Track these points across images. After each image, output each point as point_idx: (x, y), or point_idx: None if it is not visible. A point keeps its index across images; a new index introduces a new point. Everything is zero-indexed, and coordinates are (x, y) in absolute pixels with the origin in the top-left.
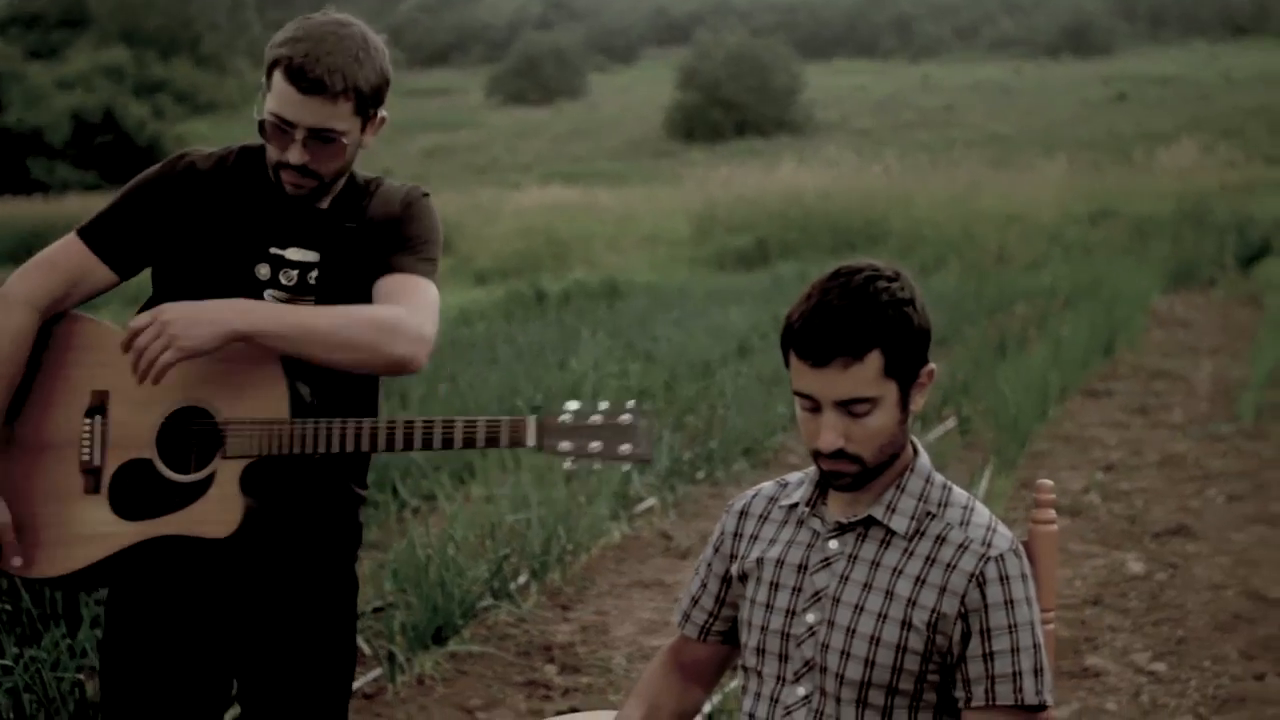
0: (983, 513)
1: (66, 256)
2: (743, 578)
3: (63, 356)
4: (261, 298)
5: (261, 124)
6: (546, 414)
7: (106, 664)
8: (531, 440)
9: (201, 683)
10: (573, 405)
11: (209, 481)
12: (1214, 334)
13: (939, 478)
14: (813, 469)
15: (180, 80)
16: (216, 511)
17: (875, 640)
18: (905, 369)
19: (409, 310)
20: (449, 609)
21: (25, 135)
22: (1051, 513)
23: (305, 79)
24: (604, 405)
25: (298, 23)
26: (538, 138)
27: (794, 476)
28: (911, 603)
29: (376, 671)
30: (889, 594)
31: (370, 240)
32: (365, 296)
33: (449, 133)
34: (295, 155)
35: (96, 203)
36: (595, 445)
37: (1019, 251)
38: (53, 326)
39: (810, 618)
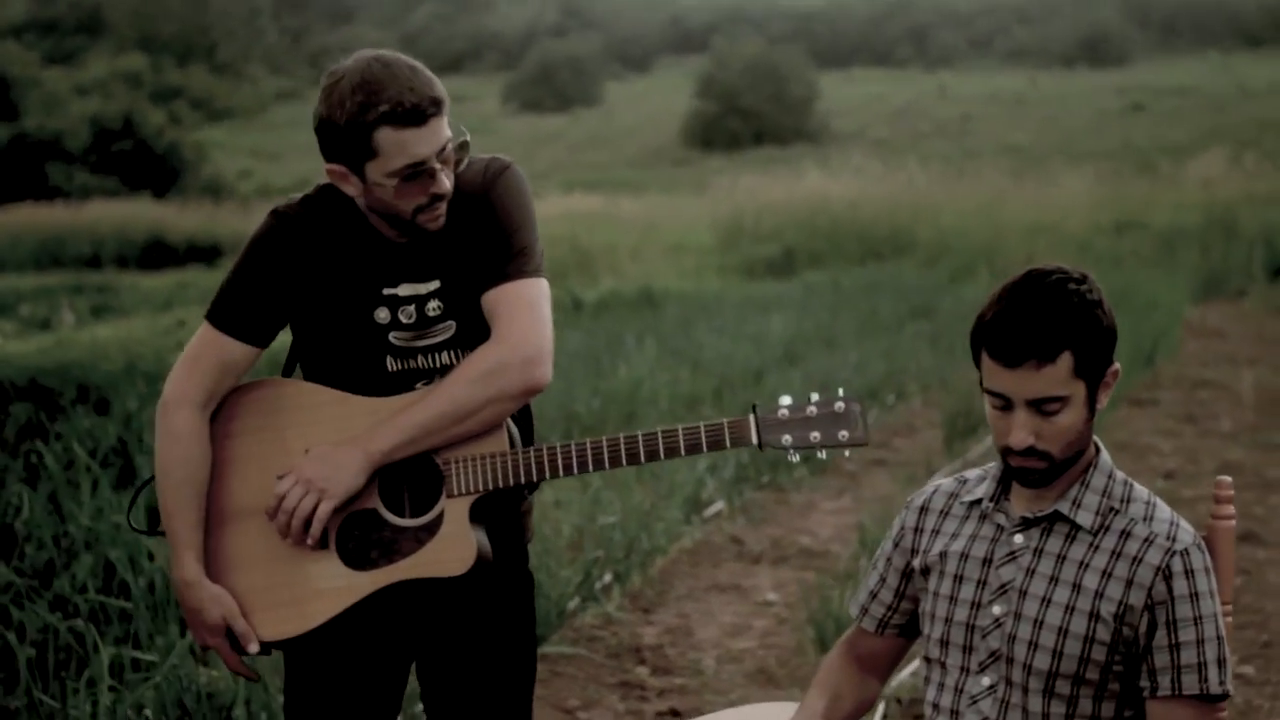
0: (1164, 509)
1: (205, 346)
2: (925, 571)
3: (269, 421)
4: (388, 343)
5: (386, 190)
6: (764, 410)
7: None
8: (754, 438)
9: (380, 688)
10: (785, 400)
11: (438, 522)
12: (1250, 344)
13: (1120, 474)
14: (994, 465)
15: (196, 87)
16: (452, 549)
17: (1063, 631)
18: (1094, 369)
19: (508, 331)
20: (544, 611)
21: (44, 141)
22: (1230, 508)
23: (421, 113)
24: (816, 396)
25: (350, 84)
26: (554, 146)
27: (973, 473)
28: (1099, 595)
29: None
30: (1076, 586)
31: (469, 248)
32: None
33: None
34: (446, 184)
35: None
36: (815, 435)
37: (1048, 261)
38: (257, 393)
39: (996, 609)
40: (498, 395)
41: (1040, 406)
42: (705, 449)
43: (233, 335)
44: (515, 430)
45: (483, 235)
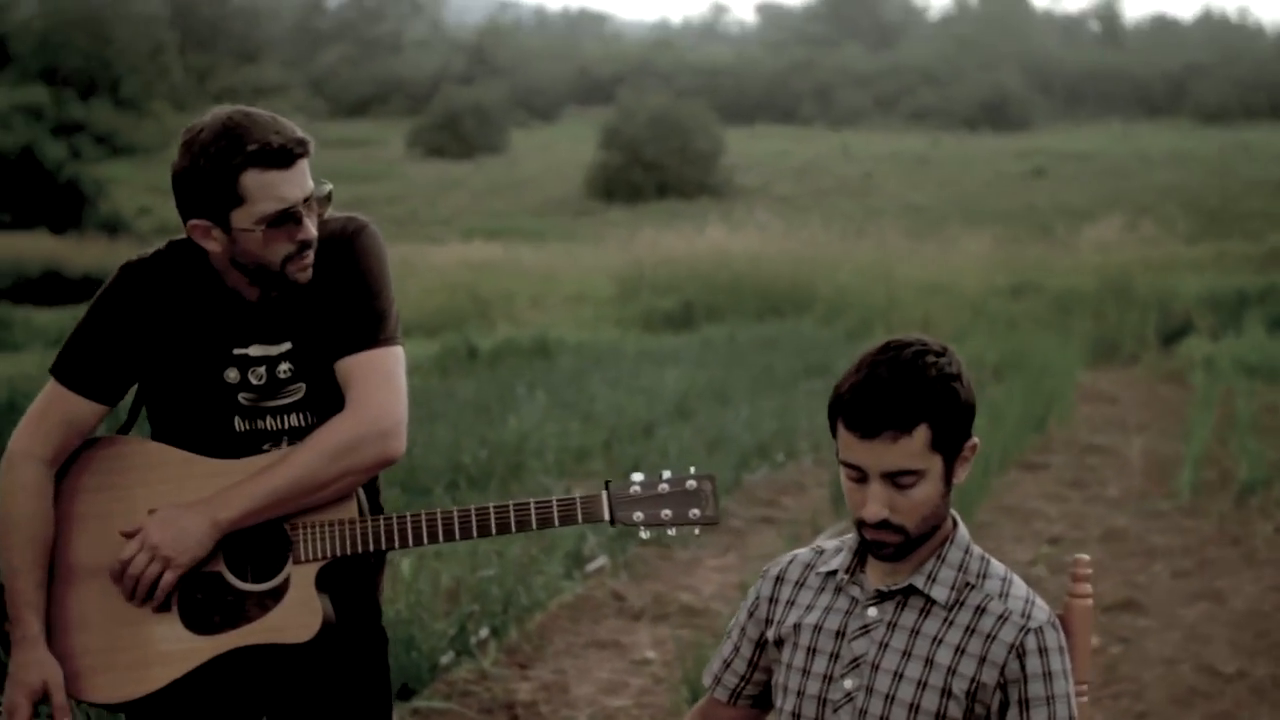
0: (1020, 585)
1: (51, 402)
2: (779, 643)
3: (116, 479)
4: (237, 403)
5: (253, 238)
6: (617, 487)
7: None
8: (606, 514)
9: None
10: (638, 477)
11: (284, 587)
12: (1141, 410)
13: (977, 549)
14: (851, 537)
15: (99, 121)
16: (297, 616)
17: (915, 707)
18: (950, 443)
19: (364, 404)
20: (415, 665)
21: None
22: (1088, 587)
23: (289, 154)
24: (667, 474)
25: (208, 135)
26: (458, 192)
27: (830, 543)
28: (951, 671)
29: None
30: (929, 662)
31: (324, 311)
32: None
33: (369, 184)
34: (312, 230)
35: (12, 241)
36: (666, 513)
37: (943, 321)
38: (103, 450)
39: (848, 683)
40: (351, 468)
41: (895, 479)
42: (557, 523)
43: (78, 392)
44: (364, 498)
45: (338, 298)
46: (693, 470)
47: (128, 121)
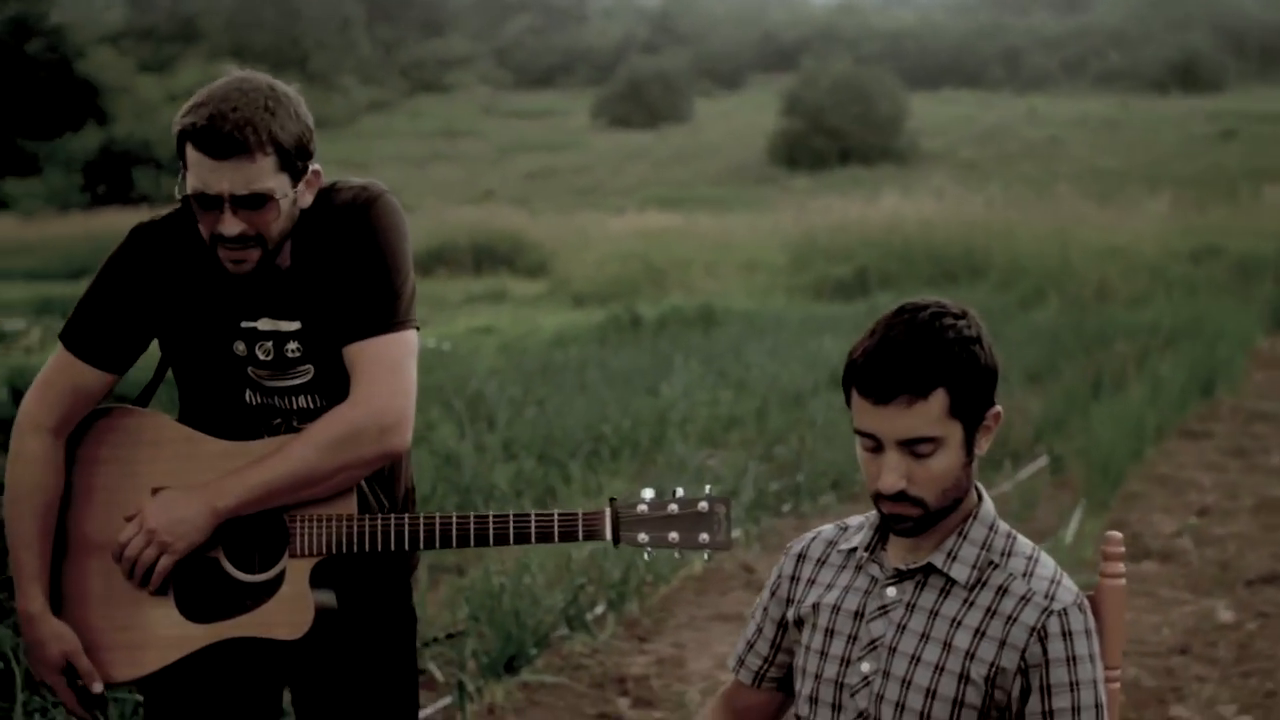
0: (1047, 564)
1: (58, 370)
2: (798, 623)
3: (124, 453)
4: (246, 376)
5: (185, 204)
6: (622, 505)
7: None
8: (608, 534)
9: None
10: (648, 494)
11: (279, 580)
12: None
13: (1004, 526)
14: (873, 513)
15: None
16: (288, 612)
17: (931, 693)
18: (970, 410)
19: (367, 394)
20: (522, 638)
21: (133, 147)
22: (1120, 566)
23: (218, 141)
24: (680, 493)
25: (200, 91)
26: (641, 161)
27: (854, 520)
28: (970, 655)
29: (446, 700)
30: (947, 645)
31: (333, 290)
32: None
33: (553, 154)
34: (229, 226)
35: None
36: (673, 535)
37: (1120, 287)
38: (115, 421)
39: (865, 667)
40: (351, 462)
41: (912, 448)
42: (556, 539)
43: (85, 360)
44: (372, 494)
45: (349, 276)
46: (707, 490)
47: (316, 96)
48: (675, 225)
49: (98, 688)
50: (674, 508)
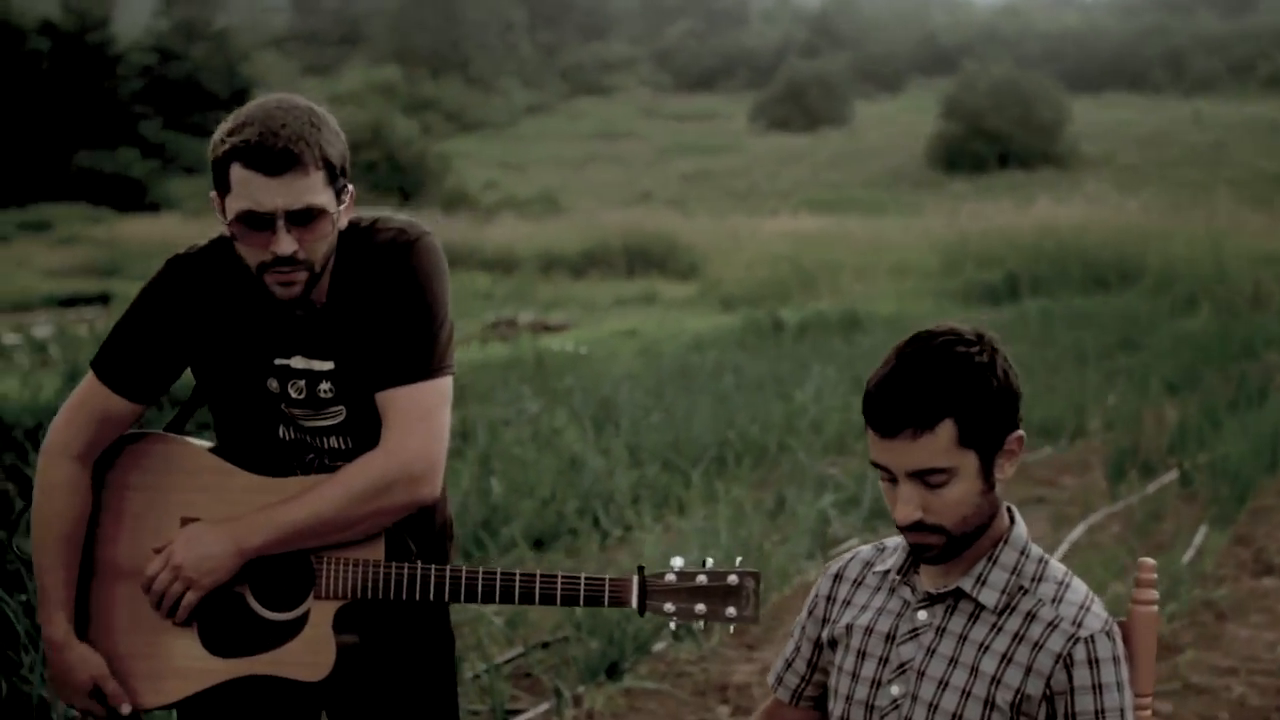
0: (1078, 590)
1: (88, 396)
2: (832, 644)
3: (155, 480)
4: (280, 412)
5: (230, 233)
6: (651, 574)
7: None
8: (634, 602)
9: None
10: (677, 564)
11: (303, 621)
12: None
13: (1036, 550)
14: None
15: (449, 99)
16: (309, 654)
17: (957, 718)
18: (984, 437)
19: (399, 444)
20: (623, 644)
21: None
22: (1153, 593)
23: (271, 157)
24: (709, 564)
25: (238, 112)
26: (798, 164)
27: (892, 541)
28: (996, 681)
29: (545, 705)
30: (974, 670)
31: (368, 332)
32: None
33: (710, 157)
34: (285, 244)
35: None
36: (700, 608)
37: (1275, 293)
38: (148, 447)
39: (895, 690)
40: (379, 511)
41: (924, 478)
42: (582, 603)
43: (115, 390)
44: (412, 544)
45: (385, 319)
46: (738, 562)
47: (476, 98)
48: (828, 229)
49: (127, 709)
50: (702, 579)
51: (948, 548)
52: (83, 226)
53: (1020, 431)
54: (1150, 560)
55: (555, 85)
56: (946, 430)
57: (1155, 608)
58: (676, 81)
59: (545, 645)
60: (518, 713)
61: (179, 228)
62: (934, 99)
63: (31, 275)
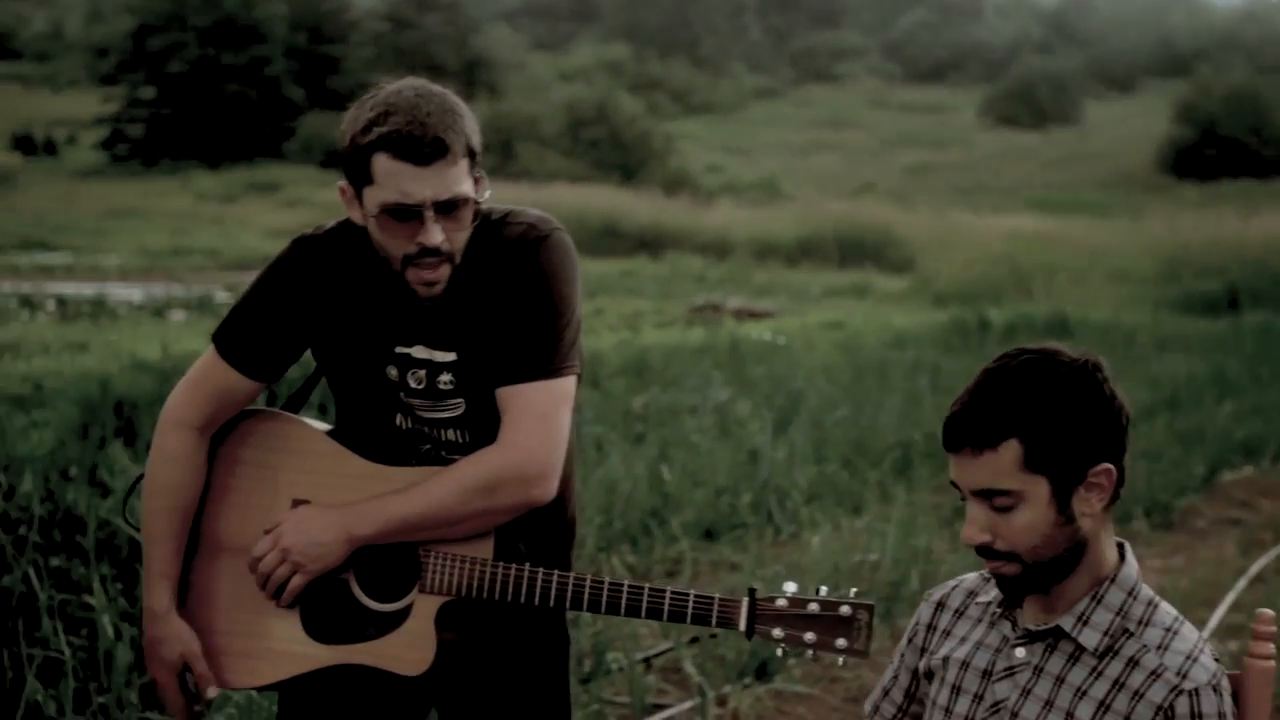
0: (1188, 638)
1: (207, 370)
2: (929, 675)
3: (268, 458)
4: (398, 401)
5: (375, 223)
6: (762, 597)
7: None
8: (743, 624)
9: None
10: (790, 589)
11: (406, 613)
12: None
13: (1146, 592)
14: None
15: (676, 79)
16: (409, 648)
17: None
18: (1057, 464)
19: (515, 441)
20: (769, 645)
21: (520, 122)
22: (1270, 647)
23: (421, 147)
24: (823, 592)
25: (374, 100)
26: (1025, 162)
27: None
28: None
29: (690, 703)
30: (1069, 716)
31: (493, 326)
32: None
33: (936, 150)
34: (434, 235)
35: (580, 194)
36: (810, 636)
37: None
38: (262, 424)
39: None
40: (490, 508)
41: (989, 500)
42: (689, 620)
43: (235, 367)
44: (523, 546)
45: (511, 314)
46: (853, 593)
47: (703, 80)
48: (1049, 229)
49: (212, 693)
50: (814, 607)
51: (1025, 577)
52: (311, 190)
53: (1109, 465)
54: (1269, 611)
55: (784, 71)
56: (1011, 451)
57: (1272, 662)
58: (906, 72)
59: (694, 641)
60: (662, 707)
61: None
62: (1166, 102)
63: (254, 235)
